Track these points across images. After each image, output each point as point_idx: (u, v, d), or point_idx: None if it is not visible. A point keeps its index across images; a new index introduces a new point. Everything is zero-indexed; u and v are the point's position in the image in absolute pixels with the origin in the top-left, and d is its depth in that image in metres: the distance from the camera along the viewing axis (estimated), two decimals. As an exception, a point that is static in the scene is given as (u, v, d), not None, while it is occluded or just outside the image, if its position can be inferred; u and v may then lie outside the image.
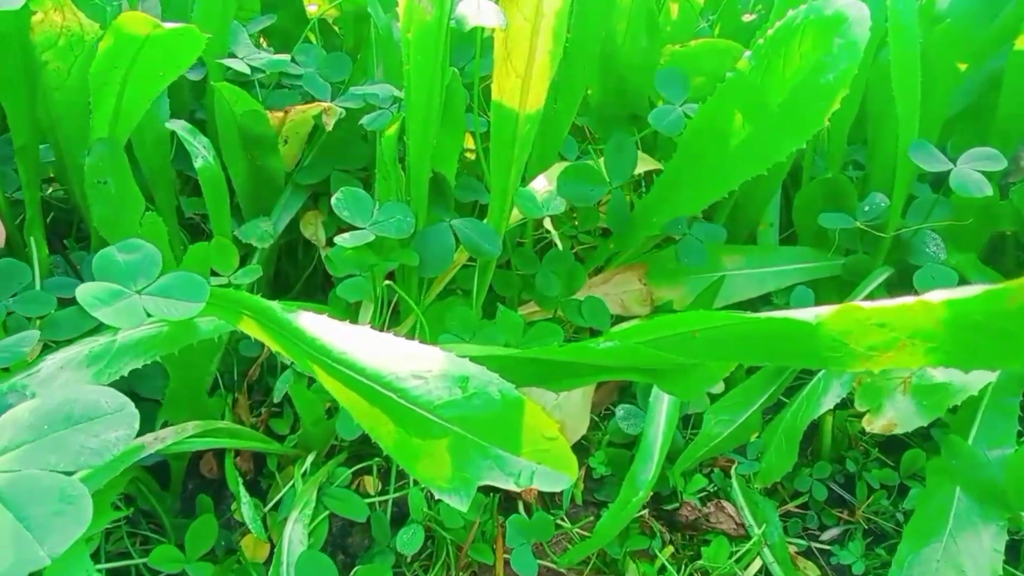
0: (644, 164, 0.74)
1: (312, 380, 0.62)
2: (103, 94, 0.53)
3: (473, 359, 0.49)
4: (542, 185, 0.71)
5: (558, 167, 0.72)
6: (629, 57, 0.77)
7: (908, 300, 0.39)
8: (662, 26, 0.88)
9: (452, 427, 0.36)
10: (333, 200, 0.60)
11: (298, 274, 0.81)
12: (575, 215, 0.82)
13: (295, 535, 0.52)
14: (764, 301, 0.83)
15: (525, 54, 0.57)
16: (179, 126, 0.60)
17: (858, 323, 0.40)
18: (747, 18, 0.88)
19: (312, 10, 0.87)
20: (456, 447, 0.36)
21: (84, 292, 0.40)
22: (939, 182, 0.84)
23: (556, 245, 0.67)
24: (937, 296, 0.38)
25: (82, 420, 0.34)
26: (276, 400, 0.66)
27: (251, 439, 0.61)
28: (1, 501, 0.30)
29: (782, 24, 0.56)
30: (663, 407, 0.67)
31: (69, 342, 0.48)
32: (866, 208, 0.75)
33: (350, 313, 0.68)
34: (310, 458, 0.61)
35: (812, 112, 0.55)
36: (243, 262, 0.69)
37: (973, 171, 0.65)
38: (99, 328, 0.49)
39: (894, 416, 0.60)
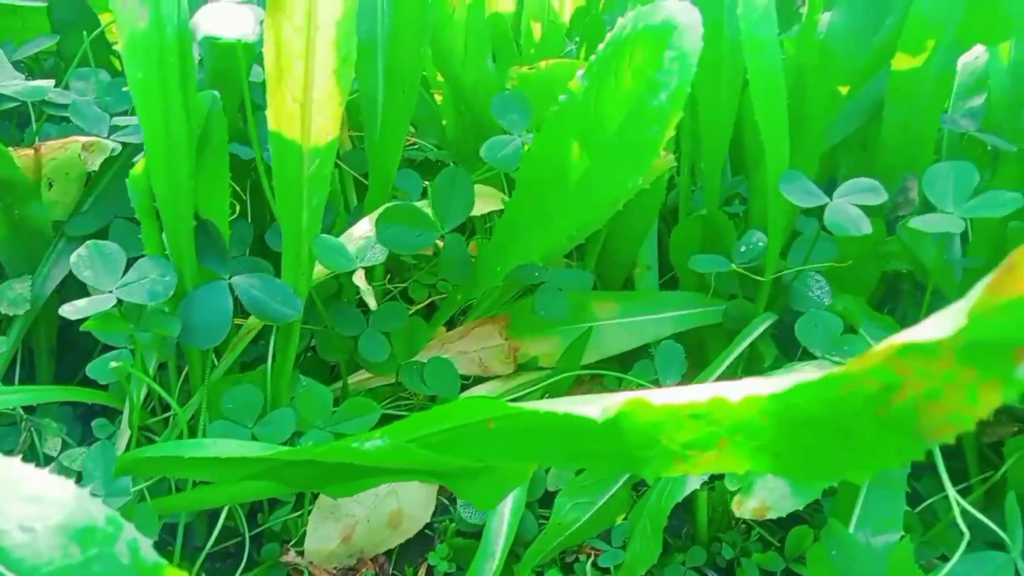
0: (488, 203, 0.64)
1: None
2: None
3: (226, 460, 0.38)
4: (363, 230, 0.60)
5: (385, 208, 0.61)
6: (475, 82, 0.68)
7: (727, 387, 0.29)
8: (525, 48, 0.79)
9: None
10: (73, 258, 0.48)
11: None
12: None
13: None
14: (645, 352, 0.73)
15: (301, 75, 0.46)
16: None
17: (670, 415, 0.30)
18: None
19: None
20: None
21: None
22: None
23: (369, 302, 0.56)
24: (763, 386, 0.28)
25: None
26: None
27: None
28: None
29: (612, 36, 0.47)
30: (508, 490, 0.56)
31: None
32: (743, 248, 0.67)
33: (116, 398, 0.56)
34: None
35: (646, 140, 0.46)
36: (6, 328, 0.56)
37: (851, 206, 0.57)
38: None
39: (766, 497, 0.51)
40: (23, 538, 0.26)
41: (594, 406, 0.30)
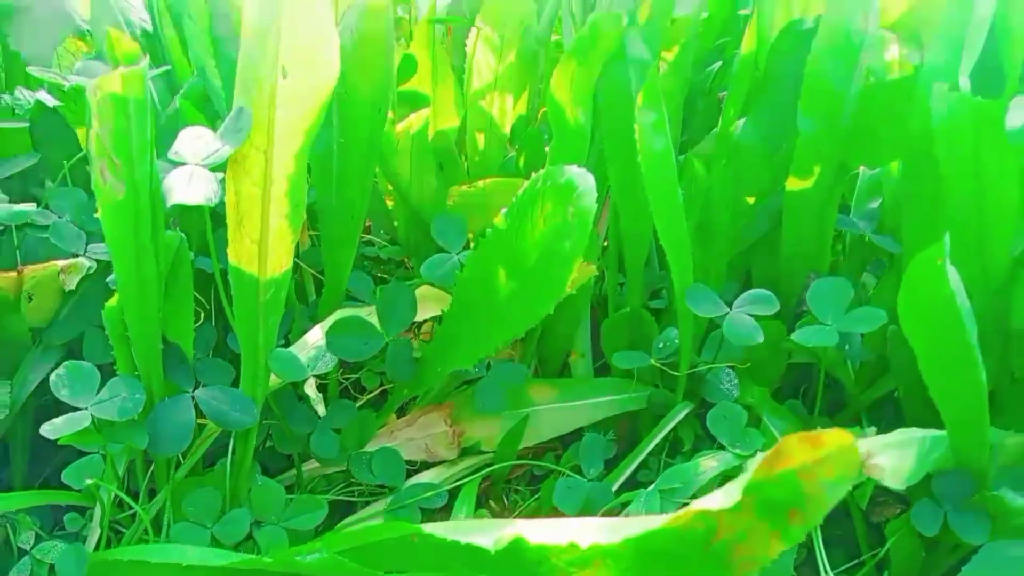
0: (430, 308, 0.71)
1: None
2: None
3: (187, 568, 0.44)
4: (315, 337, 0.66)
5: (335, 316, 0.68)
6: (420, 198, 0.75)
7: (601, 524, 0.37)
8: (470, 157, 0.88)
9: None
10: (52, 378, 0.54)
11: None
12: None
13: None
14: (579, 436, 0.80)
15: (258, 220, 0.53)
16: None
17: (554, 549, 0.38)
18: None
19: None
20: None
21: None
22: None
23: (318, 410, 0.62)
24: (628, 526, 0.36)
25: None
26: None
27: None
28: None
29: (528, 187, 0.55)
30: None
31: None
32: (660, 345, 0.74)
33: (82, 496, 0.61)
34: None
35: (557, 277, 0.53)
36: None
37: (747, 316, 0.65)
38: None
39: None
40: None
41: (488, 536, 0.37)
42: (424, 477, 0.75)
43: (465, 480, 0.73)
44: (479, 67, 0.84)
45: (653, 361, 0.74)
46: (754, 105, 0.78)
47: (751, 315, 0.65)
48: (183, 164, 0.49)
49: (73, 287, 0.62)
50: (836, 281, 0.65)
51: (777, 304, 0.66)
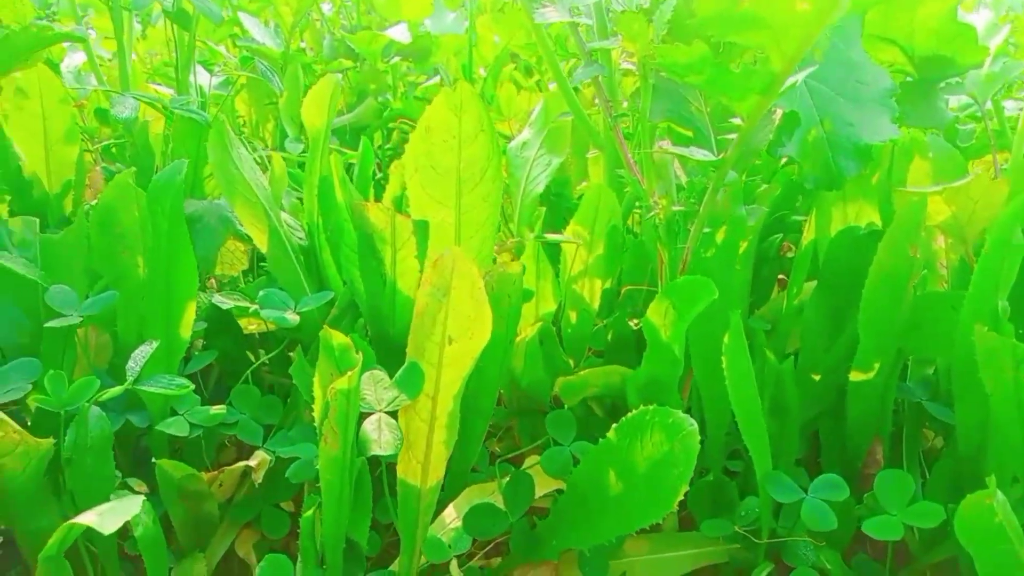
0: (545, 486, 0.84)
1: None
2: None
3: None
4: (450, 518, 0.79)
5: (466, 496, 0.81)
6: (529, 383, 0.89)
7: None
8: (564, 329, 1.01)
9: None
10: (258, 570, 0.68)
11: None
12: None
13: None
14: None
15: (423, 446, 0.67)
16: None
17: None
18: (634, 324, 1.01)
19: (251, 328, 0.98)
20: None
21: None
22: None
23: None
24: None
25: None
26: None
27: None
28: None
29: (637, 414, 0.67)
30: None
31: None
32: (743, 513, 0.85)
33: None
34: None
35: (666, 493, 0.65)
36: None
37: (822, 503, 0.75)
38: None
39: None
40: None
41: None
42: (538, 629, 0.86)
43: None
44: (572, 258, 0.98)
45: (736, 528, 0.84)
46: (815, 295, 0.90)
47: (824, 500, 0.76)
48: (371, 412, 0.63)
49: (260, 479, 0.77)
50: (899, 475, 0.75)
51: (847, 490, 0.77)
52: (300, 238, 0.91)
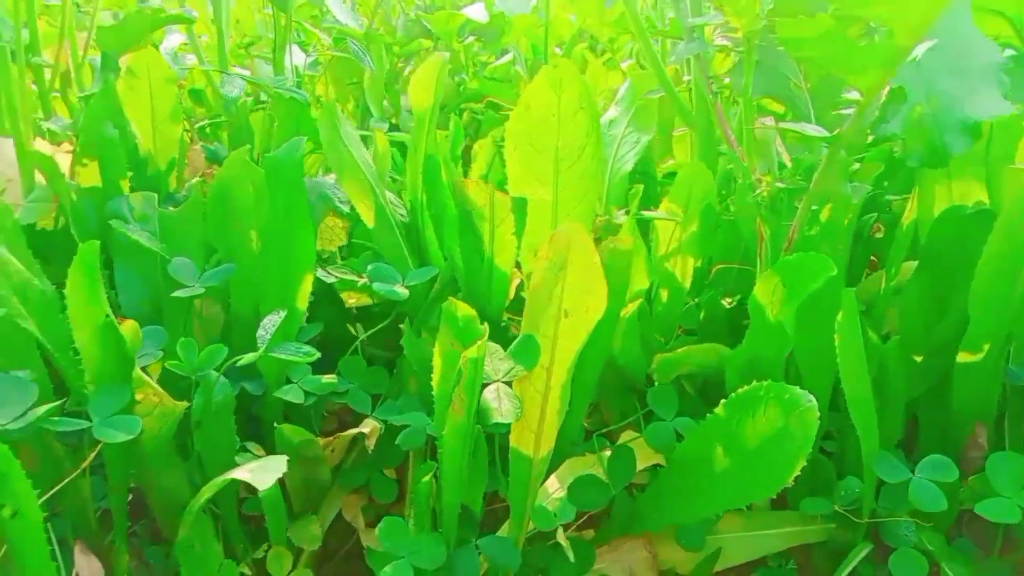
0: (646, 460, 0.85)
1: None
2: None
3: None
4: (553, 487, 0.81)
5: (568, 467, 0.83)
6: (626, 359, 0.90)
7: None
8: (655, 307, 1.02)
9: None
10: (377, 531, 0.70)
11: (338, 547, 0.91)
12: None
13: None
14: (761, 563, 0.91)
15: (537, 416, 0.69)
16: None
17: None
18: (727, 303, 1.01)
19: (351, 302, 1.01)
20: None
21: None
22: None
23: (569, 554, 0.77)
24: None
25: None
26: None
27: None
28: None
29: (749, 390, 0.68)
30: None
31: None
32: (842, 492, 0.85)
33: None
34: None
35: (779, 469, 0.66)
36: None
37: (930, 483, 0.75)
38: None
39: None
40: None
41: None
42: (631, 600, 0.87)
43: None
44: (665, 237, 0.99)
45: (836, 507, 0.84)
46: (916, 275, 0.89)
47: (932, 480, 0.75)
48: (490, 382, 0.65)
49: (372, 448, 0.80)
50: (1013, 457, 0.74)
51: (955, 471, 0.76)
52: (401, 215, 0.93)
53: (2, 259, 0.64)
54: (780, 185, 0.77)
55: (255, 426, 0.90)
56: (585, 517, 0.95)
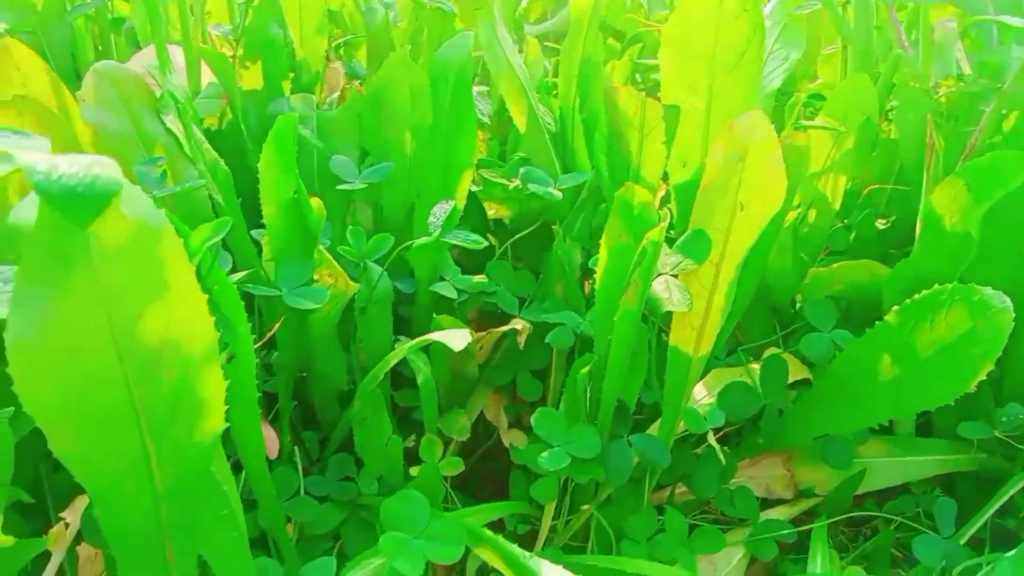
0: (795, 374, 0.84)
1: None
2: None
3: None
4: (700, 394, 0.81)
5: (715, 375, 0.83)
6: (777, 273, 0.88)
7: None
8: (800, 228, 0.99)
9: None
10: (533, 419, 0.72)
11: (475, 448, 0.94)
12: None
13: None
14: (903, 490, 0.89)
15: (702, 314, 0.68)
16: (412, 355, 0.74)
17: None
18: (881, 224, 0.97)
19: (491, 213, 1.03)
20: None
21: (383, 542, 0.53)
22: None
23: (720, 457, 0.77)
24: None
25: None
26: (469, 576, 0.78)
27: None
28: None
29: (929, 294, 0.65)
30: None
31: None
32: (1004, 419, 0.81)
33: (533, 507, 0.80)
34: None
35: (960, 374, 0.63)
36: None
37: (1111, 406, 0.71)
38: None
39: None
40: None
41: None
42: (772, 513, 0.87)
43: (815, 525, 0.85)
44: (815, 155, 0.95)
45: (997, 433, 0.81)
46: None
47: (1116, 405, 0.71)
48: (659, 274, 0.65)
49: (522, 345, 0.81)
50: None
51: None
52: (548, 123, 0.93)
53: (198, 140, 0.67)
54: (968, 88, 0.73)
55: (402, 326, 0.93)
56: (721, 434, 0.95)
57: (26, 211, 0.45)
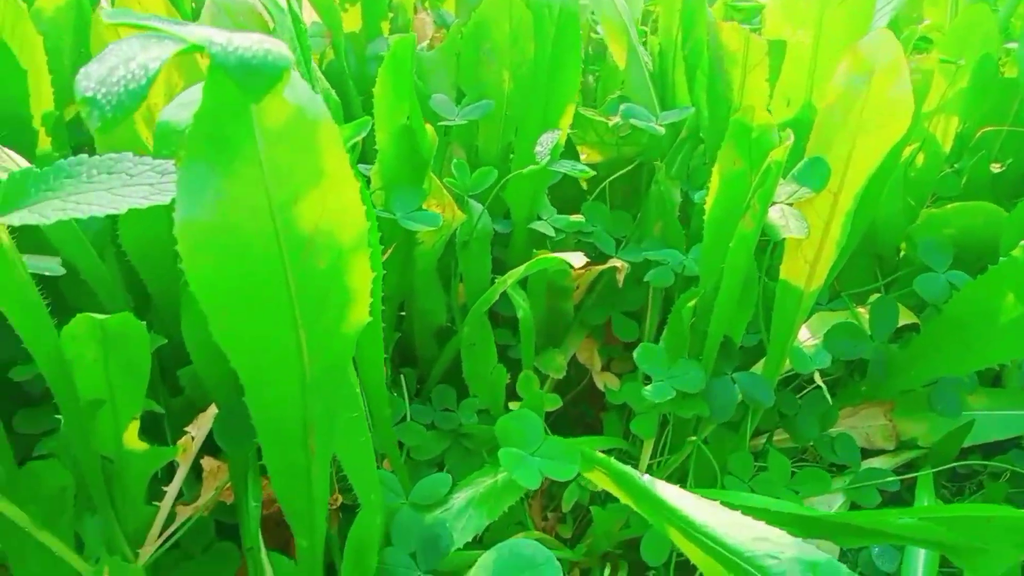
0: (902, 317, 0.81)
1: (607, 499, 0.74)
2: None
3: (769, 516, 0.58)
4: (804, 336, 0.79)
5: (819, 318, 0.80)
6: (886, 214, 0.85)
7: None
8: (907, 172, 0.95)
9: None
10: (635, 354, 0.72)
11: (568, 389, 0.94)
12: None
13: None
14: (1013, 443, 0.85)
15: (816, 246, 0.66)
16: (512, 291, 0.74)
17: None
18: (995, 168, 0.92)
19: (584, 157, 1.02)
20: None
21: (502, 455, 0.54)
22: None
23: (820, 386, 0.75)
24: None
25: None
26: (565, 510, 0.79)
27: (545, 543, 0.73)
28: None
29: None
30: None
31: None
32: None
33: (629, 444, 0.80)
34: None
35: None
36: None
37: None
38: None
39: None
40: (773, 563, 0.47)
41: None
42: (873, 463, 0.85)
43: (920, 473, 0.82)
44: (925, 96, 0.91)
45: (1122, 384, 0.77)
46: None
47: None
48: (775, 203, 0.63)
49: (622, 283, 0.81)
50: None
51: None
52: (646, 62, 0.91)
53: (313, 70, 0.69)
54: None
55: (497, 268, 0.93)
56: (813, 386, 0.92)
57: (174, 111, 0.46)
